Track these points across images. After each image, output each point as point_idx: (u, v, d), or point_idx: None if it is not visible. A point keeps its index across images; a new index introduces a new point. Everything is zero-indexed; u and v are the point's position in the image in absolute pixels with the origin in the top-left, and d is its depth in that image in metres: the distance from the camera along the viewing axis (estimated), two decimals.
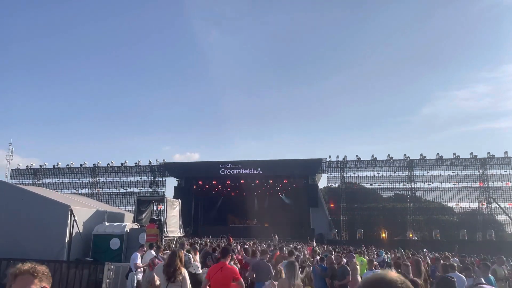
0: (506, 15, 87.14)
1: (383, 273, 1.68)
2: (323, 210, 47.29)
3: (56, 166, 53.49)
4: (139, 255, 11.18)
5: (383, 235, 41.85)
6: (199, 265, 8.66)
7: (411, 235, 43.43)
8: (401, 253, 16.70)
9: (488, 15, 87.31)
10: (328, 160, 48.15)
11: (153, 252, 11.48)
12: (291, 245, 21.61)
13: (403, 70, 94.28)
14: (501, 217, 44.21)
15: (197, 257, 11.64)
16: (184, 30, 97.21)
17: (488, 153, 45.60)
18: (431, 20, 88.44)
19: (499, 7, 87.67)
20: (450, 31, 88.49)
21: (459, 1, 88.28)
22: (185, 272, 6.09)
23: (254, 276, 9.54)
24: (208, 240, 24.40)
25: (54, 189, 46.27)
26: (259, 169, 47.66)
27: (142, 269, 11.10)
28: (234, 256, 11.01)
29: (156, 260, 9.28)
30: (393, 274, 1.67)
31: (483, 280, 7.41)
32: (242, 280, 6.82)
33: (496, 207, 43.66)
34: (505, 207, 43.01)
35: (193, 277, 6.67)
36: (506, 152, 44.92)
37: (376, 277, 1.66)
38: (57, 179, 52.82)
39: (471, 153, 45.92)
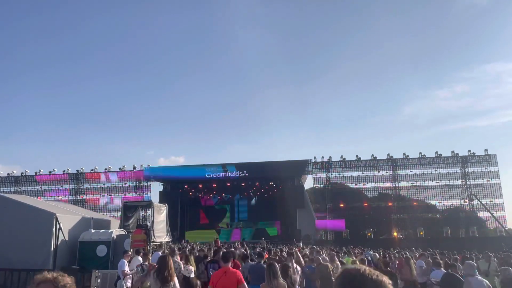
0: (483, 16, 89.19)
1: (357, 267, 1.72)
2: (309, 211, 47.53)
3: (38, 173, 52.56)
4: (126, 262, 11.10)
5: (369, 234, 42.24)
6: (192, 268, 8.78)
7: (395, 234, 43.98)
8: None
9: (466, 15, 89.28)
10: (313, 161, 48.47)
11: (139, 258, 11.43)
12: (279, 247, 21.68)
13: (384, 70, 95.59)
14: (483, 214, 45.14)
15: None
16: (160, 36, 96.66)
17: (469, 151, 46.59)
18: (410, 21, 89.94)
19: (476, 8, 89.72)
20: (429, 31, 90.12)
21: (438, 2, 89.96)
22: (175, 278, 6.16)
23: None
24: (197, 245, 24.25)
25: (37, 197, 45.54)
26: (245, 171, 47.65)
27: (130, 276, 11.03)
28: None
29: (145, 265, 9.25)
30: (364, 267, 1.72)
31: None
32: (245, 283, 6.87)
33: (478, 204, 44.58)
34: (486, 203, 43.94)
35: (186, 280, 6.73)
36: (486, 150, 45.95)
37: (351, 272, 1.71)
38: (39, 187, 51.90)
39: (453, 152, 46.82)
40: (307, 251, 15.94)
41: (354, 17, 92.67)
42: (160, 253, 11.51)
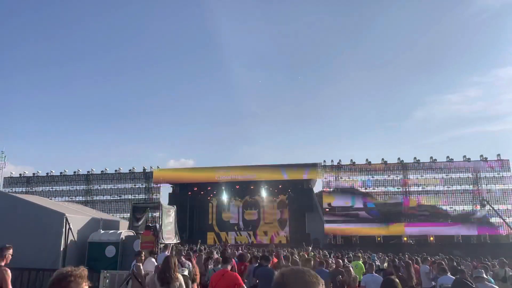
0: (496, 20, 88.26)
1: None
2: (318, 214, 47.31)
3: (49, 174, 53.12)
4: (154, 261, 11.12)
5: (379, 239, 41.93)
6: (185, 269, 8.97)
7: (405, 239, 43.54)
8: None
9: (479, 19, 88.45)
10: (323, 164, 48.20)
11: (153, 260, 11.42)
12: (287, 251, 21.54)
13: (396, 74, 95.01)
14: (495, 220, 44.46)
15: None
16: (175, 40, 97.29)
17: (481, 156, 45.95)
18: (422, 25, 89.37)
19: (489, 11, 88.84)
20: (442, 35, 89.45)
21: (451, 6, 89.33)
22: (181, 278, 6.11)
23: (257, 281, 9.47)
24: (204, 247, 24.28)
25: (48, 197, 45.99)
26: (254, 174, 47.64)
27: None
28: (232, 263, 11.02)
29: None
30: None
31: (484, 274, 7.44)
32: (244, 286, 6.85)
33: (490, 209, 43.93)
34: (498, 209, 43.30)
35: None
36: (499, 155, 45.30)
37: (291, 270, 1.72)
38: (50, 187, 52.42)
39: (464, 156, 46.24)
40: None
41: (365, 21, 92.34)
42: (166, 253, 11.51)
